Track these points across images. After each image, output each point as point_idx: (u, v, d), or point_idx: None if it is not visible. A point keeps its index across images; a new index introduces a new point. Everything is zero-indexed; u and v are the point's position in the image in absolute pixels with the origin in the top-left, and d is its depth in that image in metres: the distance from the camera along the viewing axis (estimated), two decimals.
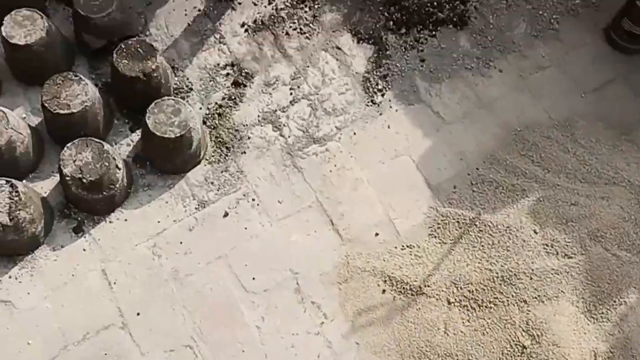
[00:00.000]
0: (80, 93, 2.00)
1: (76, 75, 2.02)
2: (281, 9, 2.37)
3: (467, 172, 2.16)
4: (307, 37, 2.34)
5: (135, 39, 2.08)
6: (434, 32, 2.35)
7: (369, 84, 2.27)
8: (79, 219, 2.04)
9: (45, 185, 2.08)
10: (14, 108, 2.16)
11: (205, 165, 2.14)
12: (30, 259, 1.99)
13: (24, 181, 2.06)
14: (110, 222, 2.05)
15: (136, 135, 2.17)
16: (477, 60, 2.30)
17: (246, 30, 2.33)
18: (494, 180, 2.13)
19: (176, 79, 2.23)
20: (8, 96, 2.19)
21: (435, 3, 2.34)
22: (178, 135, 1.97)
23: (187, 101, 2.22)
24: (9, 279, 1.96)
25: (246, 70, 2.28)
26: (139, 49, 2.07)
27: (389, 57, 2.32)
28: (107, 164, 1.93)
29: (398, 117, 2.24)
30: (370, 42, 2.34)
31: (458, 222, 2.07)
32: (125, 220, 2.06)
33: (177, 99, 2.03)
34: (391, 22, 2.35)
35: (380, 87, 2.27)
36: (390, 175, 2.16)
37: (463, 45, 2.33)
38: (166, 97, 2.03)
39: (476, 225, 2.06)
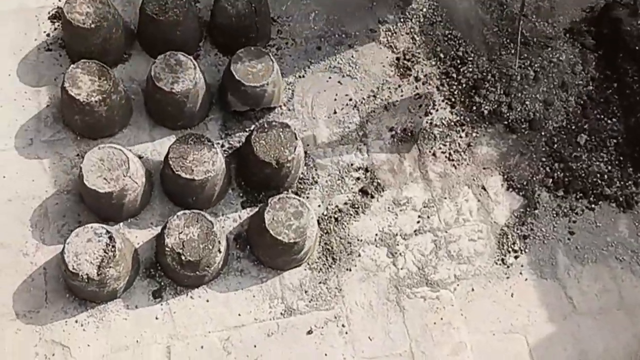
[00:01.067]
0: (208, 161, 1.93)
1: (209, 141, 1.96)
2: (436, 125, 2.24)
3: None
4: (454, 165, 2.19)
5: (280, 122, 2.00)
6: (593, 206, 2.15)
7: (505, 240, 2.10)
8: (162, 283, 1.96)
9: (141, 236, 2.02)
10: (135, 143, 2.13)
11: (305, 269, 2.03)
12: (102, 309, 1.93)
13: (121, 225, 2.03)
14: (191, 297, 1.96)
15: (246, 213, 2.08)
16: (632, 254, 2.10)
17: (392, 137, 2.21)
18: None
19: (305, 167, 2.16)
20: (134, 128, 2.15)
21: (605, 176, 2.16)
22: (292, 241, 1.88)
23: (308, 195, 2.12)
24: (75, 322, 1.90)
25: (379, 181, 2.15)
26: (280, 134, 1.98)
27: (536, 217, 2.14)
28: (210, 246, 1.85)
29: (525, 288, 2.05)
30: (521, 193, 2.17)
31: None
32: (207, 301, 1.97)
33: (302, 201, 1.94)
34: (550, 180, 2.17)
35: (516, 247, 2.09)
36: (498, 351, 1.97)
37: (621, 230, 2.13)
38: (292, 196, 1.94)
39: None
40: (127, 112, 2.10)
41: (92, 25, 2.04)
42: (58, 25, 2.24)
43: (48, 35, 2.23)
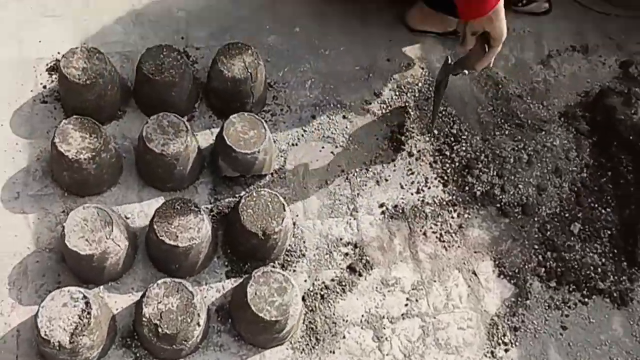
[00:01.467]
0: (193, 228, 1.91)
1: (196, 207, 1.94)
2: (427, 203, 2.22)
3: None
4: (444, 247, 2.17)
5: (269, 192, 1.98)
6: (586, 300, 2.12)
7: (495, 331, 2.05)
8: (138, 355, 1.89)
9: (120, 301, 1.97)
10: (123, 203, 2.10)
11: (287, 348, 1.97)
12: None
13: (101, 288, 1.98)
14: None
15: (230, 284, 2.04)
16: (626, 355, 2.04)
17: (383, 213, 2.19)
18: None
19: (293, 239, 2.14)
20: (123, 188, 2.12)
21: (599, 269, 2.13)
22: (273, 319, 1.84)
23: (295, 268, 2.09)
24: None
25: (368, 258, 2.12)
26: (269, 204, 1.96)
27: (528, 308, 2.10)
28: (189, 319, 1.80)
29: None
30: (512, 281, 2.14)
31: None
32: None
33: (287, 276, 1.90)
34: (542, 269, 2.15)
35: (507, 340, 2.04)
36: None
37: (615, 329, 2.08)
38: (277, 270, 1.90)
39: None
40: (117, 170, 2.09)
41: (87, 82, 2.04)
42: (55, 78, 2.24)
43: (44, 87, 2.23)
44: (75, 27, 2.38)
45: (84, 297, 1.80)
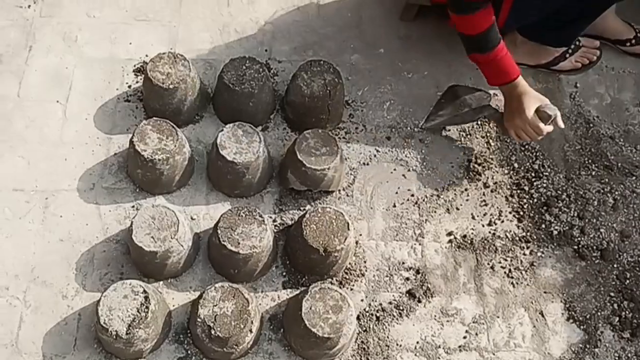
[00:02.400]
0: (256, 237, 1.97)
1: (261, 216, 2.00)
2: (499, 237, 2.19)
3: None
4: (512, 283, 2.13)
5: (335, 209, 2.01)
6: None
7: None
8: (189, 352, 1.97)
9: (178, 298, 2.06)
10: (190, 204, 2.20)
11: None
12: None
13: (161, 283, 2.08)
14: None
15: (286, 294, 2.09)
16: None
17: (450, 242, 2.18)
18: None
19: (354, 257, 2.16)
20: (192, 189, 2.22)
21: None
22: (325, 336, 1.86)
23: (353, 287, 2.11)
24: None
25: (429, 285, 2.12)
26: (333, 221, 1.99)
27: (596, 356, 2.02)
28: (242, 325, 1.86)
29: None
30: (582, 327, 2.06)
31: None
32: None
33: (344, 295, 1.92)
34: (617, 318, 2.06)
35: None
36: None
37: None
38: (334, 287, 1.92)
39: None
40: (188, 173, 2.19)
41: (170, 86, 2.17)
42: (141, 79, 2.40)
43: (129, 86, 2.38)
44: (165, 32, 2.53)
45: (144, 291, 1.89)
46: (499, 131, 2.32)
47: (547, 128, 2.10)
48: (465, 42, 2.15)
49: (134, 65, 2.42)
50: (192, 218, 2.17)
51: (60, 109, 2.35)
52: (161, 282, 2.07)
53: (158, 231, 1.96)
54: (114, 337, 1.84)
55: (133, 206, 2.16)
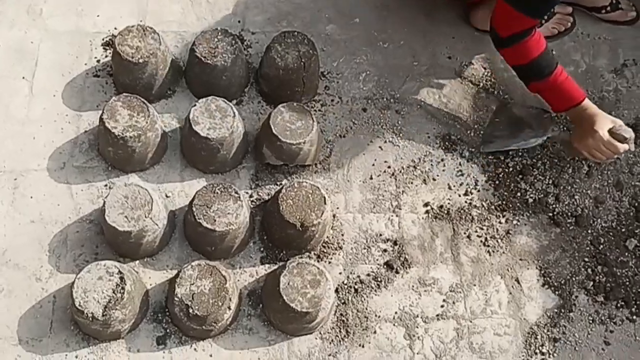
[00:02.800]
0: (232, 213, 1.94)
1: (236, 192, 1.96)
2: (475, 206, 2.18)
3: None
4: (488, 252, 2.13)
5: (311, 184, 1.98)
6: (634, 317, 2.04)
7: (533, 340, 2.01)
8: (168, 331, 1.95)
9: (154, 277, 2.03)
10: (165, 182, 2.15)
11: (316, 338, 1.98)
12: (104, 348, 1.92)
13: (137, 263, 2.04)
14: (195, 349, 1.94)
15: (264, 269, 2.07)
16: None
17: (427, 212, 2.17)
18: None
19: (332, 231, 2.15)
20: (165, 166, 2.18)
21: None
22: (304, 310, 1.85)
23: (331, 260, 2.10)
24: (74, 358, 1.91)
25: (406, 256, 2.11)
26: (310, 196, 1.97)
27: (571, 320, 2.04)
28: (220, 303, 1.84)
29: None
30: (557, 292, 2.08)
31: None
32: (210, 355, 1.94)
33: (322, 269, 1.91)
34: (591, 283, 2.08)
35: (544, 350, 1.99)
36: None
37: None
38: (312, 262, 1.91)
39: None
40: (161, 149, 2.14)
41: (140, 60, 2.10)
42: (109, 53, 2.31)
43: (98, 61, 2.30)
44: (134, 3, 2.44)
45: (119, 272, 1.86)
46: (566, 153, 2.24)
47: (624, 147, 2.05)
48: (519, 72, 2.12)
49: (103, 39, 2.33)
50: (166, 196, 2.12)
51: (26, 86, 2.26)
52: (137, 262, 2.03)
53: (131, 210, 1.91)
54: (90, 319, 1.81)
55: (106, 185, 2.11)
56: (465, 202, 2.18)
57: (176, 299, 1.85)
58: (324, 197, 1.98)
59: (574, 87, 2.08)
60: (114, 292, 1.83)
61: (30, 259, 2.01)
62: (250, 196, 2.14)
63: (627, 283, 2.07)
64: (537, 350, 2.00)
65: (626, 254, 2.13)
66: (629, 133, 2.06)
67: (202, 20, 2.42)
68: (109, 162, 2.12)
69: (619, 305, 2.06)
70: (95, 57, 2.30)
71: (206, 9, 2.46)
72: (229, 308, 1.88)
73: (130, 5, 2.42)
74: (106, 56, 2.31)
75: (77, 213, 2.07)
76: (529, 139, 2.22)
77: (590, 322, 2.04)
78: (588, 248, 2.14)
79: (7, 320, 1.94)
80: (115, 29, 2.35)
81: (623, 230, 2.17)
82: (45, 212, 2.07)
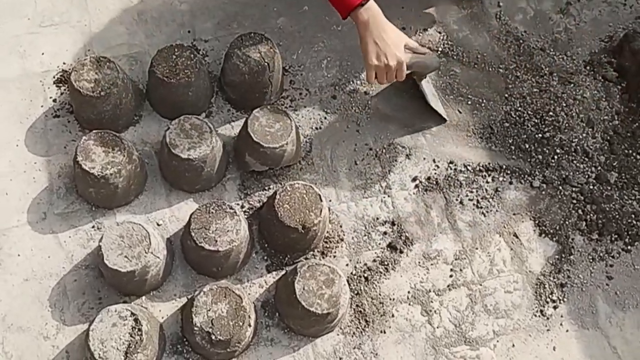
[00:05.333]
0: (231, 230, 1.84)
1: (231, 208, 1.86)
2: (460, 171, 2.15)
3: None
4: (482, 213, 2.10)
5: (303, 184, 1.90)
6: (629, 247, 2.07)
7: (542, 290, 2.01)
8: (190, 359, 1.89)
9: (165, 309, 1.92)
10: (152, 210, 2.02)
11: (337, 334, 1.93)
12: None
13: (143, 299, 1.93)
14: None
15: (271, 277, 1.99)
16: None
17: (416, 187, 2.11)
18: None
19: (330, 225, 2.07)
20: (150, 194, 2.04)
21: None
22: (325, 312, 1.78)
23: (335, 254, 2.03)
24: None
25: (407, 234, 2.06)
26: (304, 196, 1.88)
27: (572, 263, 2.05)
28: (241, 323, 1.75)
29: (567, 340, 1.96)
30: (554, 239, 2.08)
31: None
32: None
33: (333, 267, 1.84)
34: (584, 223, 2.08)
35: (554, 297, 2.00)
36: None
37: None
38: (321, 262, 1.84)
39: None
40: (143, 179, 2.00)
41: (102, 93, 1.94)
42: (64, 90, 2.14)
43: (54, 100, 2.12)
44: (77, 33, 2.25)
45: (132, 314, 1.74)
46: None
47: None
48: None
49: (54, 77, 2.15)
50: (157, 224, 2.00)
51: None
52: (144, 297, 1.91)
53: (130, 249, 1.79)
54: None
55: (93, 226, 1.96)
56: (451, 169, 2.14)
57: (196, 328, 1.75)
58: (319, 195, 1.89)
59: None
60: (131, 336, 1.71)
61: (33, 319, 1.86)
62: (242, 207, 2.03)
63: (617, 216, 2.08)
64: (548, 299, 1.99)
65: (609, 188, 2.15)
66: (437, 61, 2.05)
67: (150, 37, 2.26)
68: (92, 203, 1.97)
69: (613, 239, 2.07)
70: (51, 97, 2.12)
71: (152, 25, 2.29)
72: (250, 325, 1.78)
73: (74, 36, 2.23)
74: (61, 93, 2.13)
75: (71, 261, 1.93)
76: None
77: (591, 260, 2.05)
78: (573, 189, 2.15)
79: None
80: (64, 63, 2.17)
81: (602, 165, 2.17)
82: (37, 267, 1.92)
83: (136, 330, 1.73)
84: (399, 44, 1.92)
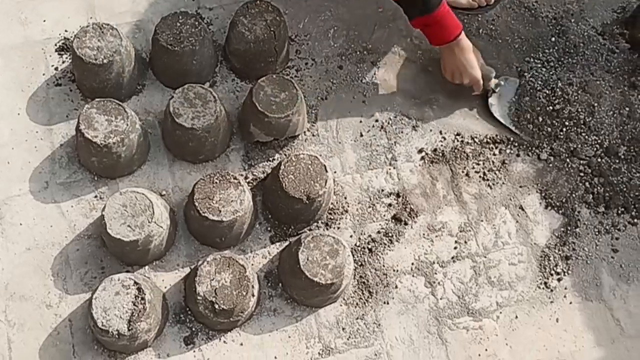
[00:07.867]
0: (235, 200, 1.79)
1: (235, 179, 1.81)
2: (467, 143, 2.09)
3: None
4: (489, 185, 2.05)
5: (308, 154, 1.84)
6: (635, 220, 2.01)
7: (546, 262, 1.97)
8: (193, 329, 1.82)
9: (168, 279, 1.88)
10: (155, 180, 1.98)
11: (341, 305, 1.89)
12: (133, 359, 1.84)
13: (146, 268, 1.88)
14: (224, 342, 1.83)
15: (275, 248, 1.95)
16: None
17: (422, 158, 2.06)
18: None
19: (334, 196, 2.02)
20: (153, 164, 1.99)
21: None
22: (329, 282, 1.74)
23: (339, 225, 1.98)
24: None
25: (411, 206, 2.02)
26: (309, 167, 1.83)
27: (578, 235, 2.00)
28: (244, 292, 1.72)
29: (570, 312, 1.92)
30: (560, 211, 2.03)
31: None
32: (241, 344, 1.84)
33: (337, 238, 1.80)
34: (590, 195, 2.03)
35: (559, 269, 1.96)
36: None
37: None
38: (325, 233, 1.81)
39: None
40: (146, 148, 1.95)
41: (105, 61, 1.88)
42: (66, 58, 2.07)
43: (56, 69, 2.06)
44: (79, 0, 2.17)
45: (135, 282, 1.70)
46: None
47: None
48: (406, 6, 1.91)
49: (55, 44, 2.08)
50: (161, 194, 1.95)
51: None
52: (147, 267, 1.87)
53: (133, 218, 1.74)
54: (117, 336, 1.66)
55: (96, 196, 1.92)
56: (458, 141, 2.08)
57: (199, 297, 1.71)
58: (324, 166, 1.84)
59: (454, 18, 1.93)
60: (134, 305, 1.68)
61: (36, 288, 1.83)
62: (246, 177, 1.98)
63: (624, 189, 2.03)
64: (552, 272, 1.95)
65: (617, 161, 2.08)
66: (493, 72, 2.07)
67: (154, 5, 2.18)
68: (94, 172, 1.92)
69: (619, 212, 2.02)
70: (52, 65, 2.06)
71: None
72: (253, 295, 1.75)
73: (76, 3, 2.16)
74: (63, 62, 2.07)
75: (73, 231, 1.89)
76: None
77: (596, 233, 2.00)
78: (581, 162, 2.08)
79: (27, 355, 1.77)
80: (66, 31, 2.11)
81: (611, 138, 2.10)
82: (40, 236, 1.88)
83: (139, 299, 1.69)
84: (474, 65, 1.98)
